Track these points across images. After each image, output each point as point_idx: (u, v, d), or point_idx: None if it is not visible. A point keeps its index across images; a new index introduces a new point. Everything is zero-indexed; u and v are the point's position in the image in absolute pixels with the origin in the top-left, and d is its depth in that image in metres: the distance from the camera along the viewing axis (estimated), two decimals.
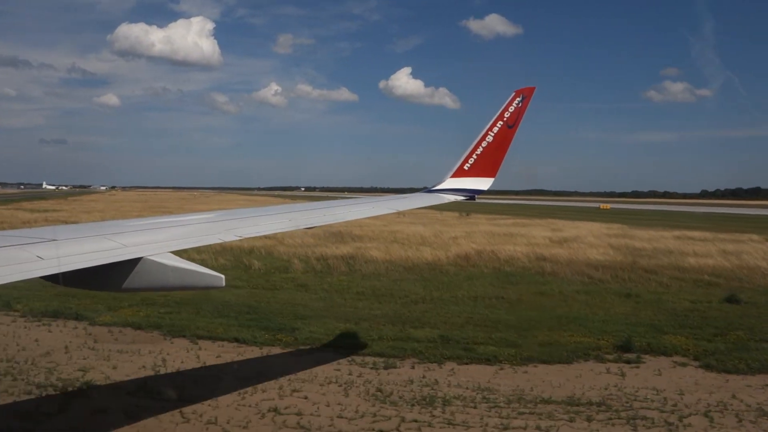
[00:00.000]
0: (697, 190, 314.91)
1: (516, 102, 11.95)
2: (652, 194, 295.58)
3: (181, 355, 15.91)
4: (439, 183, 12.25)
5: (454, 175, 12.10)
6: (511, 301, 23.83)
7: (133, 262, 6.71)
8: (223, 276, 7.23)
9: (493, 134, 11.81)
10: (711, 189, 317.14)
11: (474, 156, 11.94)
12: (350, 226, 48.59)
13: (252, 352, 16.45)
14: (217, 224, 8.87)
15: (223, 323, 18.97)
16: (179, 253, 7.26)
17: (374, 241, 42.72)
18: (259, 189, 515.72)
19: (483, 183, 12.12)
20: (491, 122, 11.86)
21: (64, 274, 5.85)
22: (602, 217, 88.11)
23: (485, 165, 11.99)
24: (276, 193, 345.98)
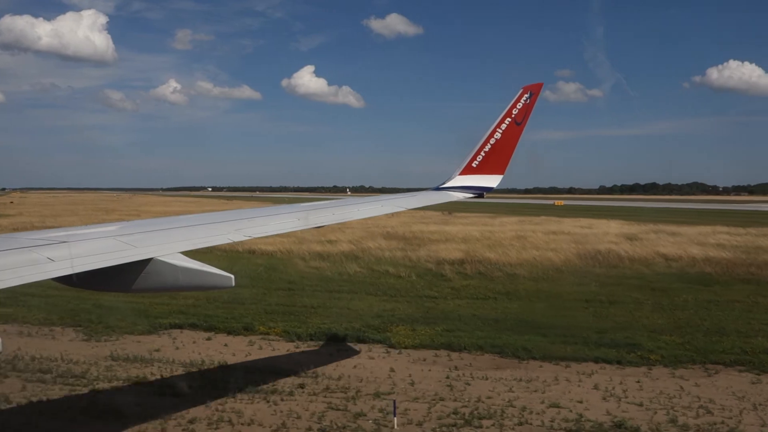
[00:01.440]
0: (596, 186, 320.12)
1: (524, 99, 11.87)
2: (554, 190, 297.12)
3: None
4: (448, 180, 12.21)
5: (463, 173, 12.06)
6: None
7: (144, 263, 6.74)
8: (232, 276, 7.22)
9: (501, 131, 11.75)
10: (609, 185, 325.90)
11: (482, 153, 11.89)
12: (390, 227, 49.97)
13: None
14: (225, 224, 8.88)
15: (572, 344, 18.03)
16: (190, 254, 7.28)
17: (448, 242, 41.98)
18: (162, 190, 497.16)
19: (492, 180, 12.07)
20: (499, 119, 11.79)
21: (77, 275, 5.89)
22: (594, 215, 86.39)
23: (494, 162, 11.94)
24: (182, 193, 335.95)
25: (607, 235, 48.75)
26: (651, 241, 44.01)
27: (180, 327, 19.79)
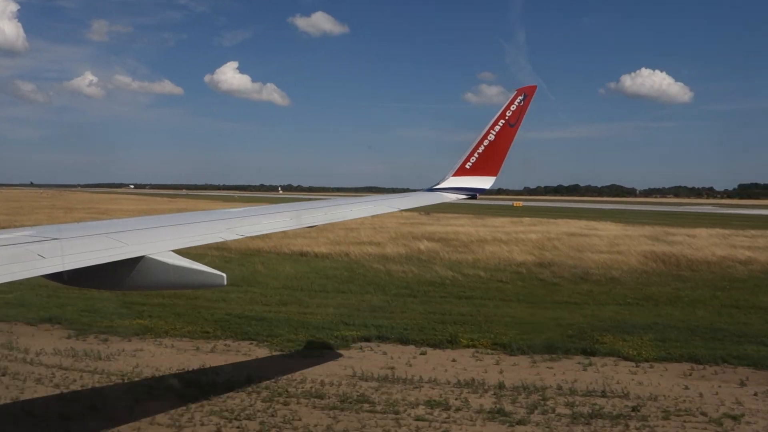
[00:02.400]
0: (520, 187, 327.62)
1: (518, 100, 11.91)
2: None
3: None
4: (441, 182, 12.22)
5: (456, 174, 12.06)
6: None
7: (135, 261, 6.69)
8: (224, 275, 7.19)
9: (494, 133, 11.77)
10: (532, 186, 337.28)
11: (476, 155, 11.90)
12: (393, 227, 49.88)
13: None
14: (217, 223, 8.84)
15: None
16: (182, 252, 7.24)
17: (493, 244, 40.76)
18: (81, 186, 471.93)
19: (485, 182, 12.08)
20: (493, 121, 11.82)
21: (67, 272, 5.83)
22: (568, 216, 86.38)
23: (487, 164, 11.95)
24: (106, 190, 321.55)
25: (632, 237, 48.27)
26: (689, 243, 43.41)
27: (367, 339, 17.92)
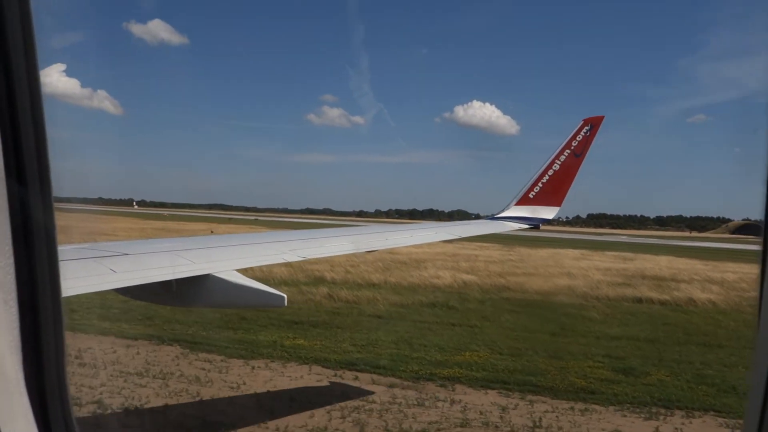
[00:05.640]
0: (372, 210, 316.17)
1: (584, 131, 11.70)
2: (328, 211, 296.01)
3: None
4: (504, 210, 12.07)
5: (519, 203, 11.89)
6: None
7: (200, 279, 6.83)
8: (285, 296, 7.26)
9: (560, 163, 11.58)
10: (384, 209, 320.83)
11: (540, 184, 11.73)
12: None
13: None
14: (279, 244, 8.95)
15: None
16: (245, 272, 7.36)
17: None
18: None
19: (548, 212, 11.86)
20: (558, 150, 11.64)
21: (135, 287, 6.01)
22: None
23: (551, 194, 11.75)
24: None
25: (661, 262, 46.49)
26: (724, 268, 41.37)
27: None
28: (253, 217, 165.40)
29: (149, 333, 17.09)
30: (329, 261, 35.26)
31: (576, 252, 56.27)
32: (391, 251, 44.27)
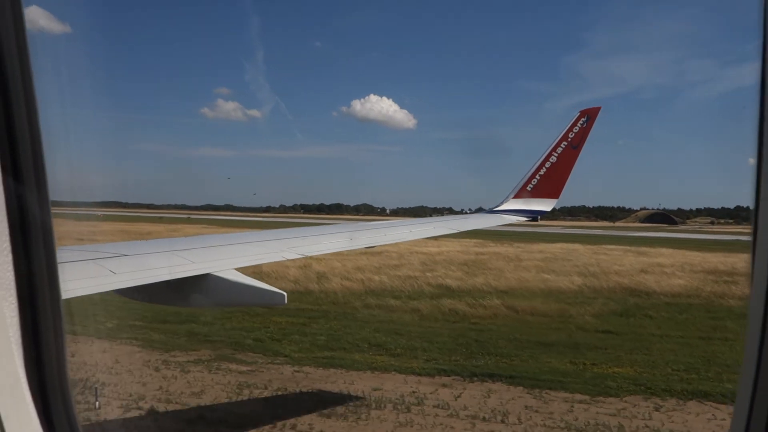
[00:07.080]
0: (276, 204, 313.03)
1: (581, 122, 11.68)
2: (229, 207, 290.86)
3: None
4: (502, 203, 12.04)
5: (517, 196, 11.87)
6: None
7: (200, 278, 6.82)
8: (285, 294, 7.24)
9: (557, 155, 11.56)
10: (289, 204, 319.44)
11: (537, 177, 11.70)
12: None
13: None
14: (278, 242, 8.93)
15: None
16: (244, 270, 7.35)
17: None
18: None
19: (546, 204, 11.84)
20: (555, 143, 11.61)
21: (135, 288, 6.00)
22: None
23: (549, 186, 11.74)
24: None
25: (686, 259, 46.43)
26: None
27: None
28: (185, 215, 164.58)
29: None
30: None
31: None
32: (421, 251, 44.77)
